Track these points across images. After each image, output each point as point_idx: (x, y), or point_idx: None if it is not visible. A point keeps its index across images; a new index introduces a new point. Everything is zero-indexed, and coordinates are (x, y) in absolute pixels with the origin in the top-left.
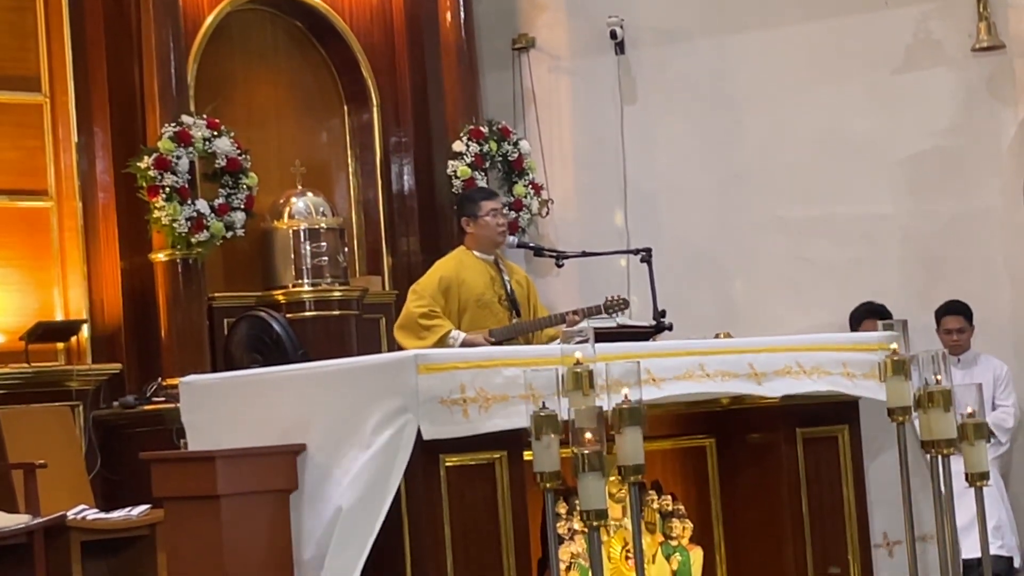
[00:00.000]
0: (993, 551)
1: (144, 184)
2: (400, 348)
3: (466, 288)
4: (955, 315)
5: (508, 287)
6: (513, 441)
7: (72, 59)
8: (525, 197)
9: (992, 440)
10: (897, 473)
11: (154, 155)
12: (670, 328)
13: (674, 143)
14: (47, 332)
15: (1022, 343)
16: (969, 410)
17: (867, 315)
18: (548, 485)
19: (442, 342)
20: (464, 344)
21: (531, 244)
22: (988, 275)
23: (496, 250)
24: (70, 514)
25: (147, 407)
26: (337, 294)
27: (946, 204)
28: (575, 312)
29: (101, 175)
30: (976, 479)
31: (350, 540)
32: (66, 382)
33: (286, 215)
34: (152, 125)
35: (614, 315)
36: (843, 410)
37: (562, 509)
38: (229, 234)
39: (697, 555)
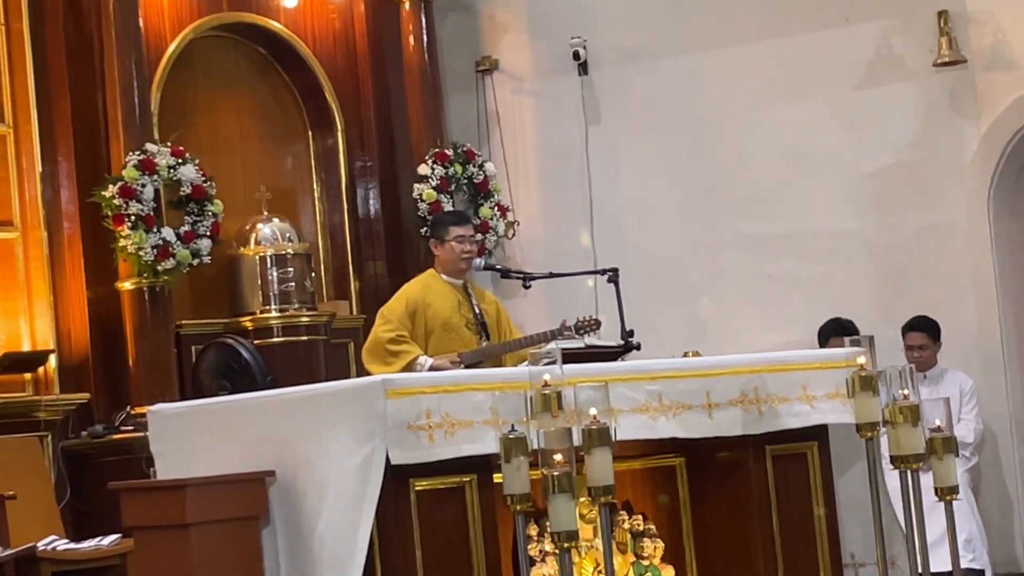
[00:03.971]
0: (964, 564)
1: (109, 213)
2: (368, 373)
3: (432, 312)
4: (918, 332)
5: (476, 311)
6: (483, 464)
7: (35, 89)
8: (491, 219)
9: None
10: (864, 493)
11: (119, 183)
12: (638, 348)
13: (638, 162)
14: (14, 363)
15: (988, 356)
16: (937, 424)
17: (834, 332)
18: (518, 507)
19: (410, 367)
20: (432, 369)
21: (498, 266)
22: (953, 289)
23: (463, 275)
24: (40, 545)
25: (116, 436)
26: (305, 319)
27: (910, 218)
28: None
29: (66, 205)
30: (945, 493)
31: (336, 570)
32: (34, 413)
33: (252, 241)
34: (116, 154)
35: (584, 335)
36: (812, 427)
37: (533, 531)
38: (195, 261)
39: (669, 574)
